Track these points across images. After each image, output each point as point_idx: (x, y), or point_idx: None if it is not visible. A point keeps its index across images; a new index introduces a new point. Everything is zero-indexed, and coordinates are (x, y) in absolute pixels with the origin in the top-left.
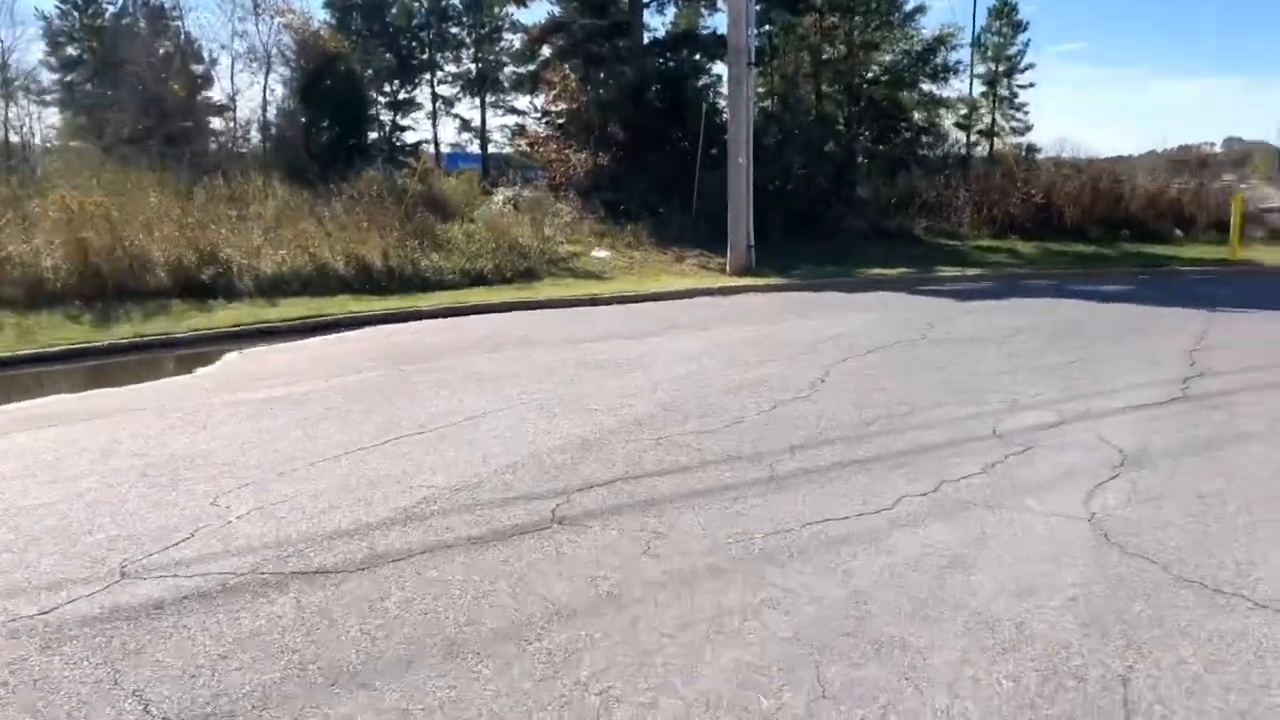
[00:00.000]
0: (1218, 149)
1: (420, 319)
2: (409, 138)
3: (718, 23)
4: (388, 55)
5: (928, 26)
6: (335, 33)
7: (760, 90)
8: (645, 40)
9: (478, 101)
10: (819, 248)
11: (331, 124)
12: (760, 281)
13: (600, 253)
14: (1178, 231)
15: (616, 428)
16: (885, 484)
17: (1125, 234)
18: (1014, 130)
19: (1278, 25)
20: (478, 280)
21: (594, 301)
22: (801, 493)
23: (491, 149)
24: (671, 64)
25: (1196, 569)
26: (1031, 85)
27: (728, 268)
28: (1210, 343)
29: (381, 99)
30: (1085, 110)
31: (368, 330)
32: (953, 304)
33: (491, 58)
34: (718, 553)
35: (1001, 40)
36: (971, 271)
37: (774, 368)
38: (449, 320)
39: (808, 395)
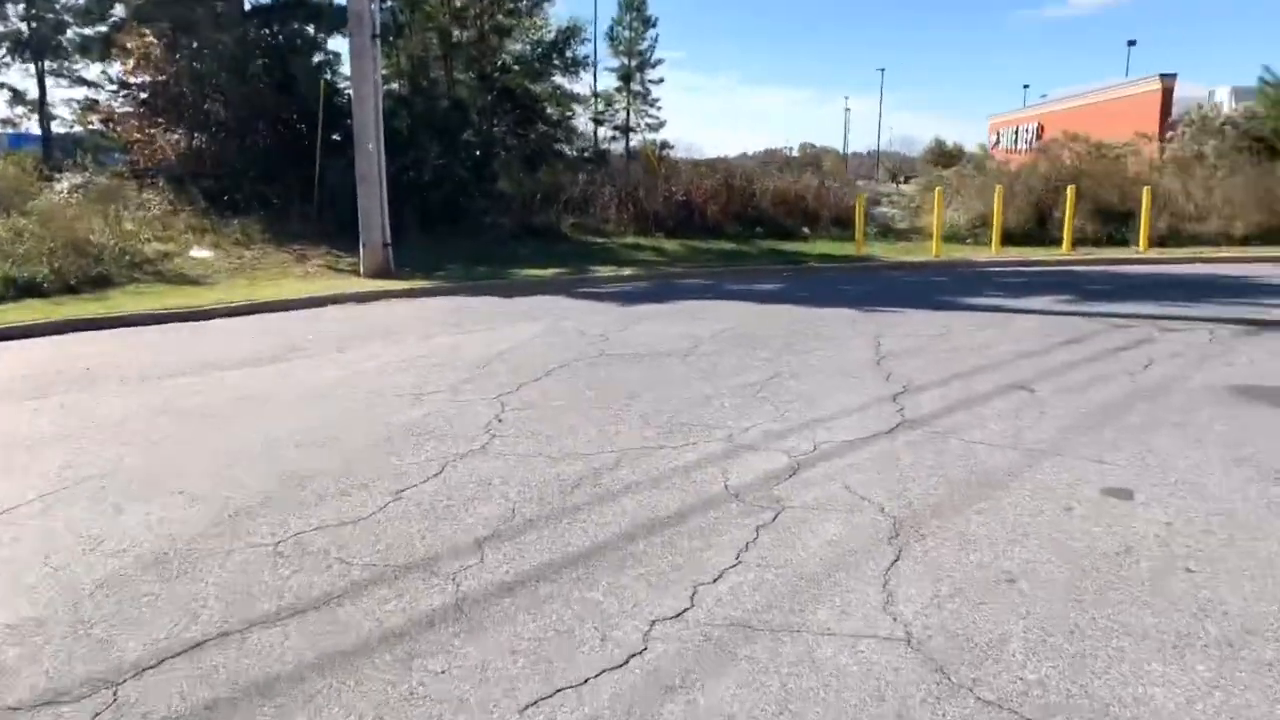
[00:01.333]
0: (795, 152)
1: None
2: None
3: None
4: None
5: (556, 17)
6: None
7: (387, 71)
8: (247, 5)
9: (33, 69)
10: (464, 246)
11: None
12: (403, 285)
13: (201, 252)
14: (805, 229)
15: (211, 525)
16: (622, 600)
17: (759, 231)
18: (649, 126)
19: (837, 48)
20: (29, 291)
21: (191, 315)
22: (507, 634)
23: (59, 127)
24: (280, 35)
25: None
26: (662, 81)
27: (362, 269)
28: (890, 349)
29: None
30: (690, 113)
31: None
32: (619, 309)
33: (50, 15)
34: None
35: (633, 35)
36: (626, 271)
37: (435, 403)
38: None
39: (484, 445)
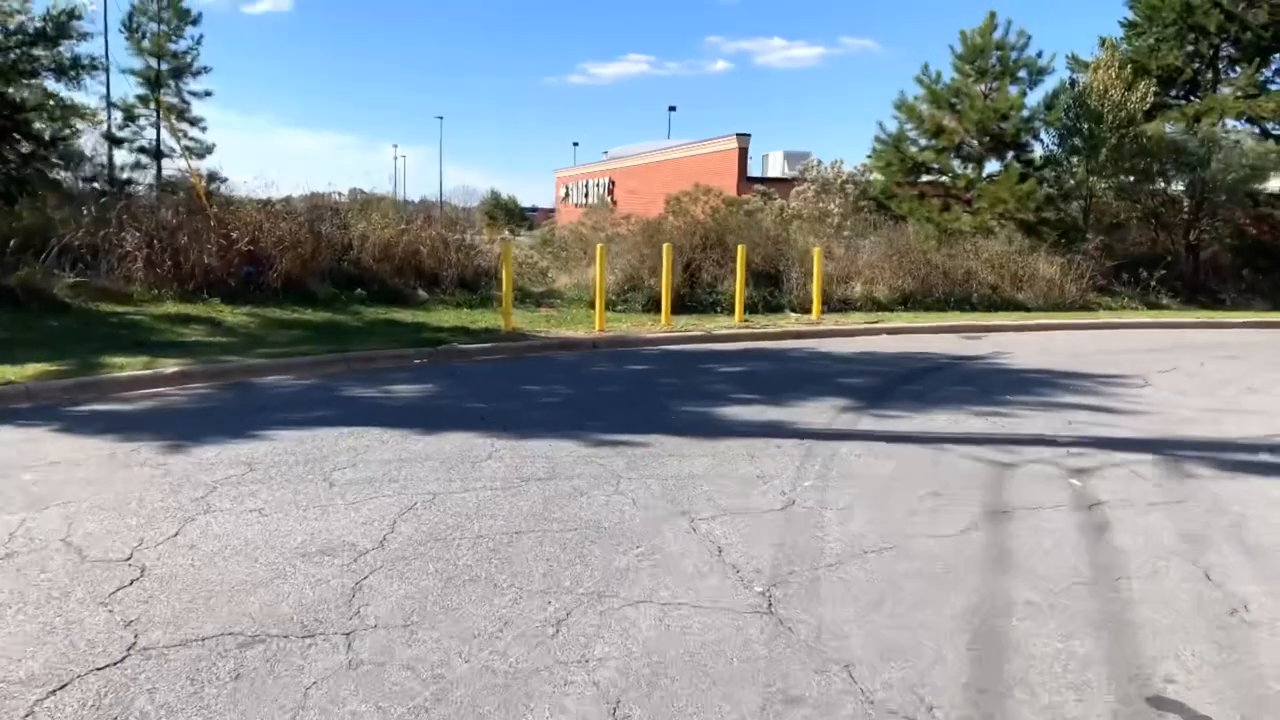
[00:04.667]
0: (344, 198)
1: None
2: None
3: None
4: None
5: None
6: None
7: None
8: None
9: None
10: None
11: None
12: None
13: None
14: (422, 292)
15: None
16: None
17: (360, 294)
18: (191, 151)
19: (385, 96)
20: None
21: None
22: None
23: None
24: None
25: None
26: (209, 94)
27: None
28: (748, 563)
29: None
30: (223, 152)
31: None
32: (163, 462)
33: None
34: None
35: (165, 30)
36: (169, 367)
37: None
38: None
39: None
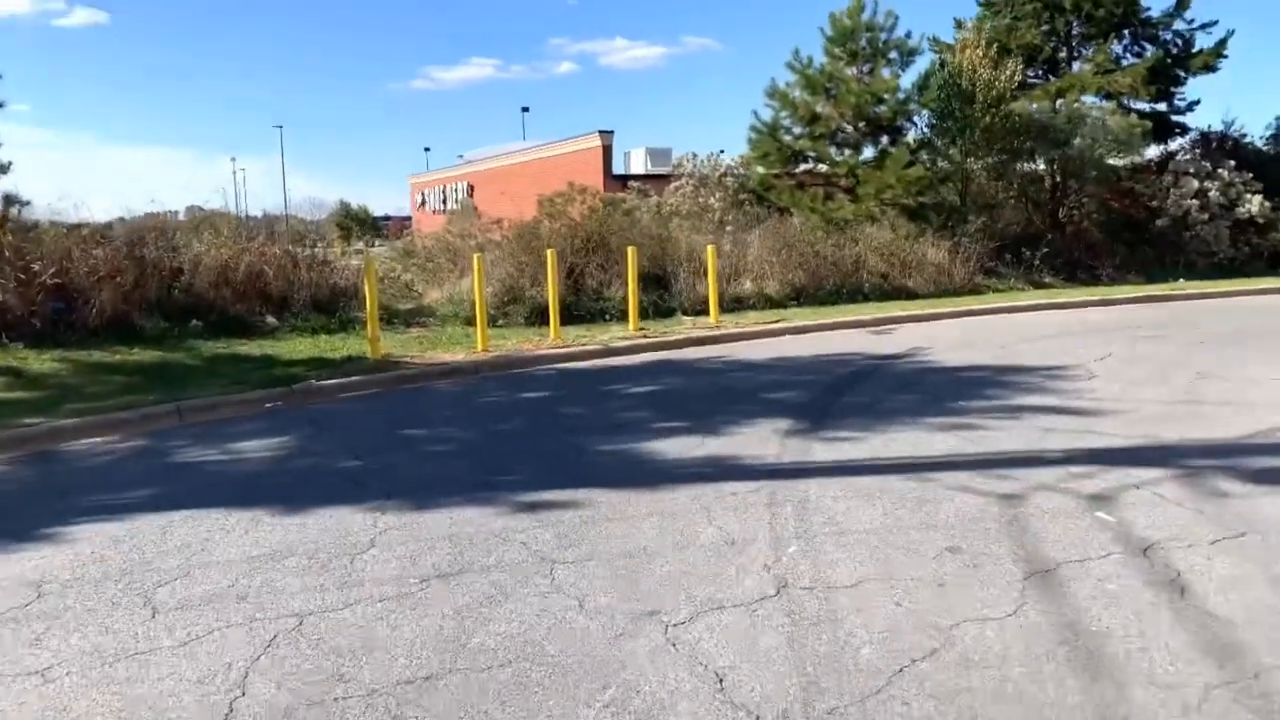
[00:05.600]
0: (182, 216)
1: None
2: None
3: None
4: None
5: None
6: None
7: None
8: None
9: None
10: None
11: None
12: None
13: None
14: (270, 319)
15: None
16: None
17: (197, 325)
18: None
19: (219, 108)
20: None
21: None
22: None
23: None
24: None
25: None
26: (0, 105)
27: None
28: None
29: None
30: (41, 175)
31: None
32: None
33: None
34: None
35: None
36: None
37: None
38: None
39: None
